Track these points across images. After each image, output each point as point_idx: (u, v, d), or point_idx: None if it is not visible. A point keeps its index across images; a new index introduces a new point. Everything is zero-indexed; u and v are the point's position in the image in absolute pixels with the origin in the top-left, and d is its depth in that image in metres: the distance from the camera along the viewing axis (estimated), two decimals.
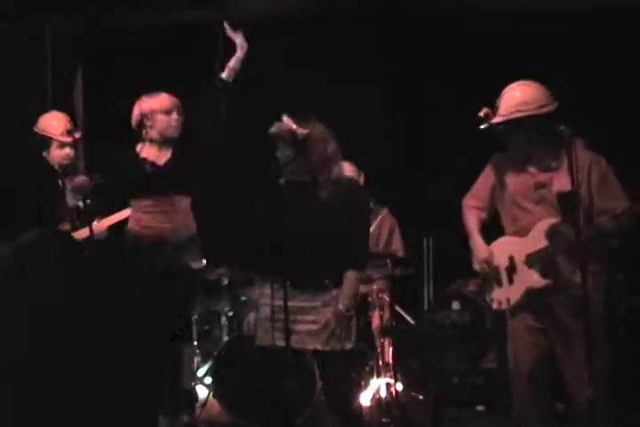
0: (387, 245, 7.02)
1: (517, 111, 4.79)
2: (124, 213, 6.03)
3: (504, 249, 5.01)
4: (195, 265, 6.10)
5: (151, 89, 6.01)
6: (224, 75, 5.68)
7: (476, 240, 5.12)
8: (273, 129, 4.94)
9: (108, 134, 6.97)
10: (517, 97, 4.83)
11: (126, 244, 5.89)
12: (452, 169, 7.34)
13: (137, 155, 5.81)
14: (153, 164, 5.75)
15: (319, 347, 4.86)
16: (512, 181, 5.00)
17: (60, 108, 6.81)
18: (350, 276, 4.87)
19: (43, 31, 7.54)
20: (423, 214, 7.09)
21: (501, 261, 5.01)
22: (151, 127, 5.77)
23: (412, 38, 7.62)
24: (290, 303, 4.72)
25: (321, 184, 4.89)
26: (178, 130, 5.82)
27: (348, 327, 4.88)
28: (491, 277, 5.06)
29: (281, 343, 4.74)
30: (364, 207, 5.07)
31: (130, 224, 5.89)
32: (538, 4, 7.09)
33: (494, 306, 5.08)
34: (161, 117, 5.73)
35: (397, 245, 7.04)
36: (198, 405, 6.26)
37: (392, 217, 7.10)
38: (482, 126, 4.86)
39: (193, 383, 6.39)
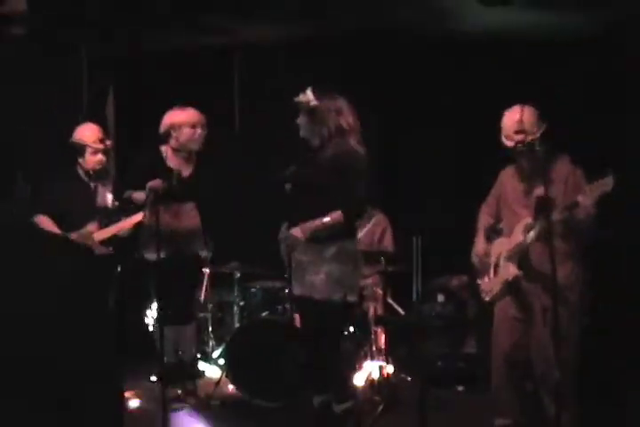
0: (379, 244, 7.10)
1: (538, 130, 4.93)
2: (136, 218, 6.15)
3: (497, 248, 5.18)
4: (202, 253, 6.25)
5: (175, 103, 6.10)
6: None
7: (479, 238, 5.32)
8: (296, 98, 5.06)
9: (136, 144, 7.04)
10: (533, 118, 4.96)
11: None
12: (440, 174, 7.43)
13: (164, 162, 5.89)
14: (179, 175, 5.87)
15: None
16: (509, 189, 5.20)
17: (93, 121, 6.91)
18: (331, 214, 4.91)
19: (79, 51, 7.57)
20: (413, 215, 7.15)
21: (493, 260, 5.19)
22: (176, 138, 5.86)
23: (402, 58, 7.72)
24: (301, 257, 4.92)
25: (326, 149, 4.98)
26: (200, 144, 5.92)
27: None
28: (482, 271, 5.22)
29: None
30: (358, 170, 5.03)
31: (147, 222, 5.99)
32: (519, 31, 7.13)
33: (482, 296, 5.24)
34: (186, 130, 5.83)
35: (389, 244, 7.13)
36: (213, 383, 6.36)
37: (384, 218, 7.18)
38: (520, 149, 4.94)
39: (195, 356, 6.44)
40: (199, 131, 5.89)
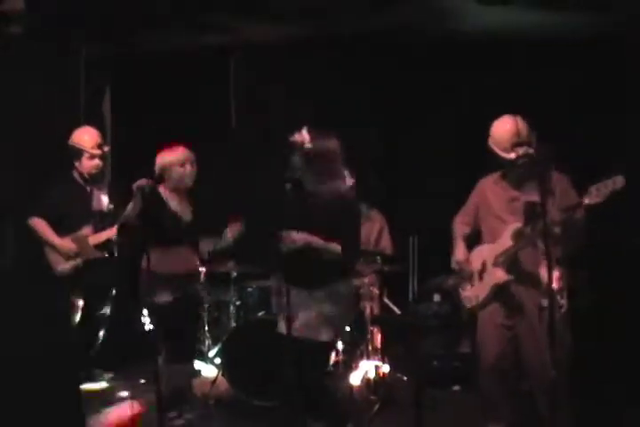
0: (376, 244, 7.09)
1: (534, 140, 4.94)
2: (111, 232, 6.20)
3: (479, 255, 5.19)
4: (202, 294, 6.36)
5: (171, 104, 6.08)
6: None
7: (458, 246, 5.32)
8: (291, 138, 5.01)
9: (133, 146, 7.03)
10: (527, 128, 4.96)
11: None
12: (437, 176, 7.43)
13: (167, 207, 5.89)
14: (180, 219, 5.85)
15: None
16: (493, 197, 5.19)
17: (89, 122, 6.90)
18: (335, 243, 4.85)
19: (76, 50, 7.55)
20: (410, 216, 7.15)
21: (475, 266, 5.18)
22: (169, 178, 5.86)
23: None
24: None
25: (320, 193, 4.93)
26: (192, 179, 5.92)
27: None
28: (465, 277, 5.21)
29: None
30: (354, 217, 5.04)
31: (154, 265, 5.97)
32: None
33: (466, 303, 5.24)
34: (177, 169, 5.83)
35: (386, 244, 7.12)
36: (209, 382, 6.36)
37: (381, 218, 7.18)
38: (522, 161, 4.92)
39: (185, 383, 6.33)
40: (188, 168, 5.88)
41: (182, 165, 5.83)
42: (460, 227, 5.39)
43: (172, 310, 5.67)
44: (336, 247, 4.84)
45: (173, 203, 5.89)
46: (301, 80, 7.39)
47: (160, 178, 5.85)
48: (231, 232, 5.93)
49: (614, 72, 7.14)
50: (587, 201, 4.61)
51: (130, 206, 5.66)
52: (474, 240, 5.35)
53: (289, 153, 4.98)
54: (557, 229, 4.77)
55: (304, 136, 4.93)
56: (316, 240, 4.84)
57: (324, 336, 4.88)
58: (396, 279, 6.90)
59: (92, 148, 6.41)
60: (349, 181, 5.00)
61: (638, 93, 6.90)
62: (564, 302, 4.94)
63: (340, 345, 6.12)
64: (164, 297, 5.69)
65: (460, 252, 5.29)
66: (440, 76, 7.55)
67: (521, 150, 4.87)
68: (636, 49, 6.90)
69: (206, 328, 6.93)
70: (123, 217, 5.75)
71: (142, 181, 5.58)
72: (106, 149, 6.52)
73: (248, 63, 7.83)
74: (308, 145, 4.91)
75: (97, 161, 6.44)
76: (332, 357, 5.89)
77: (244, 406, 6.07)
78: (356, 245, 5.06)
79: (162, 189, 5.89)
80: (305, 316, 4.88)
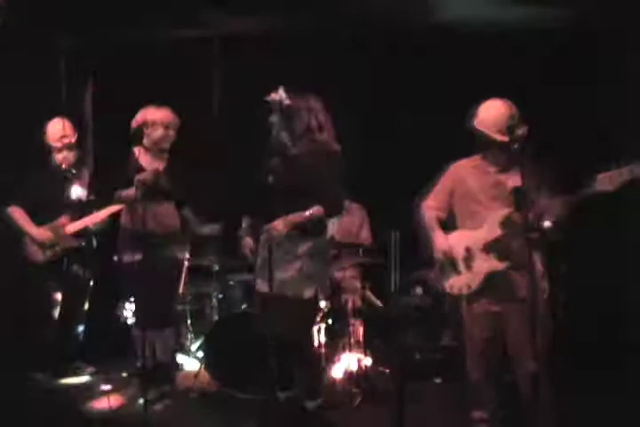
0: (357, 237, 7.08)
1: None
2: (108, 211, 6.11)
3: (460, 241, 5.07)
4: (181, 255, 6.16)
5: (152, 98, 6.03)
6: None
7: (438, 233, 5.15)
8: (268, 97, 4.98)
9: (115, 137, 6.98)
10: (518, 111, 4.91)
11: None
12: (419, 167, 7.39)
13: (137, 162, 5.82)
14: (143, 170, 5.77)
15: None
16: (473, 181, 5.07)
17: (70, 114, 6.84)
18: (313, 209, 4.88)
19: (57, 43, 7.51)
20: (391, 209, 7.13)
21: (458, 252, 5.08)
22: (148, 135, 5.79)
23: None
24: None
25: (300, 148, 4.92)
26: (169, 143, 5.86)
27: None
28: (449, 266, 5.13)
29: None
30: (334, 167, 5.04)
31: (123, 221, 5.93)
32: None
33: (454, 292, 5.12)
34: (160, 130, 5.76)
35: (367, 236, 7.11)
36: (191, 375, 6.31)
37: (362, 211, 7.16)
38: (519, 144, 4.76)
39: (173, 358, 6.36)
40: (171, 132, 5.84)
41: (166, 127, 5.77)
42: (434, 213, 5.20)
43: (142, 270, 5.52)
44: (318, 213, 4.82)
45: (145, 162, 5.82)
46: (283, 72, 7.34)
47: (137, 134, 5.77)
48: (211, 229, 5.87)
49: (591, 64, 7.14)
50: (597, 188, 4.53)
51: (130, 193, 5.63)
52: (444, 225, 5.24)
53: (268, 115, 4.99)
54: (546, 222, 4.74)
55: (281, 94, 4.93)
56: (297, 218, 4.83)
57: (307, 293, 4.87)
58: (377, 272, 6.87)
59: (56, 141, 6.42)
60: (333, 144, 4.99)
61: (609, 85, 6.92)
62: (545, 285, 4.91)
63: (322, 303, 6.04)
64: (131, 256, 5.55)
65: (440, 239, 5.13)
66: (422, 68, 7.51)
67: (518, 132, 4.79)
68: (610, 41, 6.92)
69: (188, 322, 6.89)
70: (119, 198, 5.74)
71: (143, 175, 5.56)
72: (67, 140, 6.45)
73: (229, 55, 7.78)
74: (285, 102, 4.90)
75: (65, 153, 6.43)
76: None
77: (227, 399, 6.03)
78: (338, 197, 5.03)
79: (136, 150, 5.82)
80: (285, 273, 4.87)
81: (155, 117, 5.79)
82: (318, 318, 6.00)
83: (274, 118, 4.99)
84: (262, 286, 4.95)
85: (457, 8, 6.91)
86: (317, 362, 5.66)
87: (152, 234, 5.68)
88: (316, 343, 5.95)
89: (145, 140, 5.83)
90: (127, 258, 5.79)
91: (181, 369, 6.64)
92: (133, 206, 5.66)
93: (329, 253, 5.15)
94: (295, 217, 4.86)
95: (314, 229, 4.92)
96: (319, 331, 6.14)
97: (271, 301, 5.00)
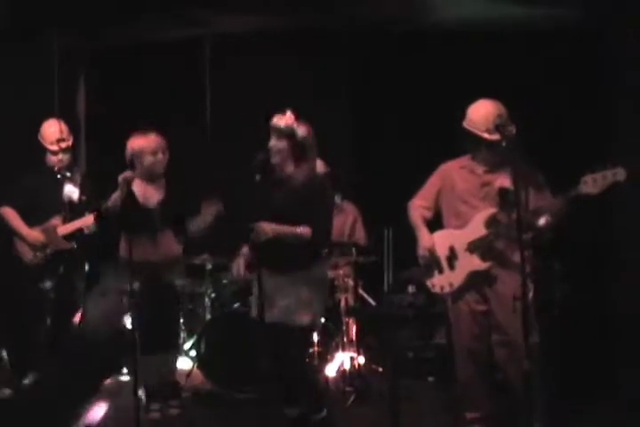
0: (351, 235, 7.06)
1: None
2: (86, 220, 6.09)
3: (444, 240, 5.08)
4: (180, 282, 6.08)
5: (145, 95, 6.00)
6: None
7: (423, 231, 5.16)
8: (276, 121, 4.88)
9: (107, 137, 6.97)
10: (506, 112, 4.89)
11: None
12: (410, 167, 7.37)
13: (132, 191, 5.77)
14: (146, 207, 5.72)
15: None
16: (461, 181, 5.07)
17: (64, 113, 6.80)
18: (303, 228, 4.76)
19: (50, 41, 7.47)
20: (384, 208, 7.12)
21: (441, 251, 5.07)
22: (140, 164, 5.75)
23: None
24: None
25: (297, 177, 4.86)
26: (163, 167, 5.81)
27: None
28: (432, 264, 5.12)
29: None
30: (327, 199, 4.96)
31: (121, 253, 5.86)
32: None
33: (436, 290, 5.12)
34: (148, 158, 5.71)
35: (360, 235, 7.08)
36: (184, 375, 6.27)
37: (355, 210, 7.14)
38: (509, 143, 4.68)
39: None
40: (160, 156, 5.77)
41: (154, 153, 5.72)
42: (421, 211, 5.21)
43: (141, 299, 5.46)
44: (305, 233, 4.77)
45: (140, 190, 5.78)
46: (273, 70, 7.34)
47: (131, 164, 5.74)
48: (209, 210, 5.78)
49: (583, 64, 7.12)
50: (581, 191, 4.53)
51: (115, 196, 5.56)
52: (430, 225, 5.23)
53: (266, 136, 4.88)
54: (541, 220, 4.72)
55: (290, 119, 4.83)
56: (286, 229, 4.78)
57: (304, 320, 4.83)
58: (370, 271, 6.85)
59: (52, 144, 6.35)
60: (322, 168, 4.95)
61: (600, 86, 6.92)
62: (531, 285, 4.87)
63: (315, 337, 6.08)
64: (128, 285, 5.48)
65: (426, 238, 5.14)
66: (413, 67, 7.49)
67: (506, 131, 4.76)
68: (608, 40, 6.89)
69: (181, 321, 6.85)
70: (106, 206, 5.66)
71: (128, 173, 5.50)
72: (64, 144, 6.38)
73: (220, 54, 7.76)
74: (301, 132, 4.82)
75: (60, 156, 6.36)
76: (314, 339, 5.96)
77: (220, 398, 6.00)
78: (327, 227, 4.97)
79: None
80: (283, 301, 4.83)
81: (141, 146, 5.72)
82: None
83: (278, 144, 4.87)
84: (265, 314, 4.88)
85: (451, 8, 6.89)
86: (317, 380, 5.60)
87: (149, 262, 5.64)
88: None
89: (138, 169, 5.78)
90: (125, 286, 5.72)
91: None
92: (130, 235, 5.58)
93: (325, 281, 5.12)
94: (283, 228, 4.79)
95: (308, 257, 4.86)
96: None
97: (272, 329, 4.94)
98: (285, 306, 4.80)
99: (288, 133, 4.81)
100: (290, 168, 4.86)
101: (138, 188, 5.76)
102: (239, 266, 5.22)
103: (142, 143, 5.71)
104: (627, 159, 4.55)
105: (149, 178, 5.77)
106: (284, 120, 4.83)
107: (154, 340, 5.65)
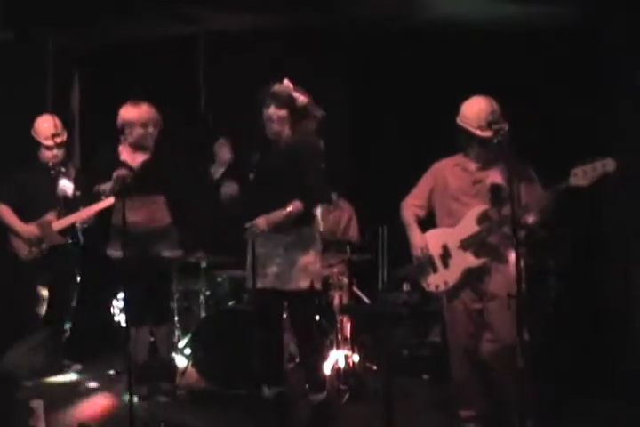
0: (345, 233, 7.06)
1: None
2: (97, 207, 6.03)
3: (436, 239, 5.08)
4: (169, 253, 6.03)
5: (140, 93, 5.97)
6: None
7: (415, 231, 5.17)
8: (275, 88, 4.90)
9: (101, 132, 6.95)
10: (499, 108, 4.88)
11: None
12: (406, 166, 7.36)
13: (117, 157, 5.76)
14: (126, 165, 5.69)
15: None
16: (453, 179, 5.08)
17: (58, 110, 6.78)
18: (292, 204, 4.85)
19: (44, 39, 7.47)
20: (379, 206, 7.11)
21: (435, 250, 5.07)
22: (129, 134, 5.73)
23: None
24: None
25: (291, 141, 4.90)
26: (152, 140, 5.80)
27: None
28: (426, 263, 5.11)
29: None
30: (317, 159, 4.99)
31: (114, 218, 5.86)
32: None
33: (432, 289, 5.11)
34: (138, 129, 5.70)
35: (354, 233, 7.08)
36: (179, 373, 6.25)
37: (350, 207, 7.14)
38: (501, 139, 4.70)
39: (171, 355, 6.28)
40: (151, 130, 5.75)
41: (144, 125, 5.70)
42: (413, 210, 5.22)
43: (130, 267, 5.31)
44: (297, 208, 4.80)
45: (128, 158, 5.77)
46: (268, 69, 7.31)
47: (121, 131, 5.73)
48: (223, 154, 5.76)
49: (578, 63, 7.11)
50: (571, 183, 4.52)
51: (108, 187, 5.57)
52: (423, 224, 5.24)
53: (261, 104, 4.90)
54: (530, 217, 4.72)
55: (288, 86, 4.87)
56: (278, 215, 4.80)
57: (303, 283, 4.86)
58: (365, 269, 6.84)
59: (46, 139, 6.34)
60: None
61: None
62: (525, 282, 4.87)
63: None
64: (120, 253, 5.30)
65: (418, 237, 5.14)
66: (410, 65, 7.48)
67: (498, 128, 4.75)
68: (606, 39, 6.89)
69: (176, 318, 6.84)
70: (97, 189, 5.68)
71: (123, 171, 5.49)
72: (59, 139, 6.38)
73: (215, 52, 7.76)
74: (302, 99, 4.84)
75: (55, 151, 6.36)
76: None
77: (215, 396, 5.99)
78: (319, 188, 5.01)
79: (120, 147, 5.78)
80: (277, 267, 4.86)
81: (132, 117, 5.70)
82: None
83: (278, 112, 4.89)
84: (257, 281, 4.90)
85: (449, 6, 6.88)
86: (319, 354, 5.62)
87: (138, 232, 5.61)
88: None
89: (128, 138, 5.77)
90: (114, 253, 5.71)
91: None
92: (121, 203, 5.57)
93: (318, 242, 5.11)
94: (276, 215, 4.83)
95: (298, 219, 4.88)
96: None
97: (266, 295, 4.98)
98: (279, 272, 4.84)
99: (287, 101, 4.85)
100: (286, 134, 4.89)
101: (126, 155, 5.76)
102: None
103: (133, 114, 5.69)
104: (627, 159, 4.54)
105: (138, 148, 5.77)
106: (283, 87, 4.86)
107: (144, 311, 5.65)
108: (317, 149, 4.97)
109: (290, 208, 4.83)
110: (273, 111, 4.90)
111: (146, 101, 5.77)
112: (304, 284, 4.90)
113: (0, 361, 6.01)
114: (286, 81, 4.91)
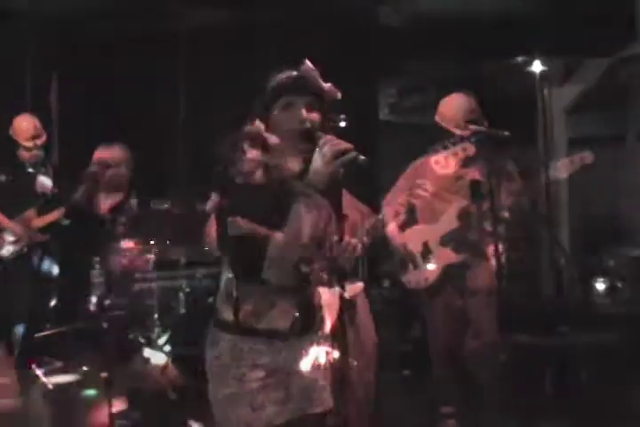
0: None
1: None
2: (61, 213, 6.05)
3: (417, 236, 5.09)
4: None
5: (118, 92, 5.97)
6: None
7: (393, 228, 5.18)
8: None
9: (79, 131, 6.95)
10: (478, 105, 4.91)
11: None
12: (391, 163, 7.37)
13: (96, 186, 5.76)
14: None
15: None
16: (434, 177, 5.04)
17: (35, 110, 6.73)
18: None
19: (22, 42, 7.45)
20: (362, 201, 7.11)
21: (415, 247, 5.06)
22: (102, 177, 5.74)
23: None
24: None
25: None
26: (126, 180, 5.82)
27: None
28: (407, 260, 5.10)
29: None
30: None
31: None
32: None
33: (412, 286, 5.11)
34: (110, 171, 5.71)
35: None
36: (160, 369, 6.23)
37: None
38: (479, 137, 4.77)
39: None
40: (122, 170, 5.77)
41: (117, 166, 5.71)
42: (391, 208, 5.20)
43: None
44: (278, 238, 4.73)
45: (103, 202, 5.77)
46: (249, 65, 7.31)
47: (94, 176, 5.72)
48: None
49: None
50: (551, 175, 4.55)
51: (80, 190, 5.54)
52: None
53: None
54: (505, 212, 4.72)
55: (259, 125, 4.80)
56: (260, 229, 4.75)
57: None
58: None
59: (26, 139, 6.33)
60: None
61: None
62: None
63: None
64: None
65: (397, 235, 5.16)
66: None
67: (476, 127, 4.76)
68: None
69: (155, 316, 6.81)
70: (71, 200, 5.64)
71: (93, 169, 5.48)
72: (39, 141, 6.38)
73: (195, 48, 7.74)
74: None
75: (34, 152, 6.34)
76: None
77: (196, 392, 5.97)
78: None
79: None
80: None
81: (105, 159, 5.74)
82: None
83: (252, 153, 4.82)
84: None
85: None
86: None
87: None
88: None
89: (100, 181, 5.77)
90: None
91: (149, 363, 6.57)
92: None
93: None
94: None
95: None
96: None
97: None
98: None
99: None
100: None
101: (101, 200, 5.76)
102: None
103: (106, 155, 5.71)
104: None
105: (112, 189, 5.76)
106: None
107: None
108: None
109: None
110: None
111: (118, 144, 5.79)
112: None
113: None
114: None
